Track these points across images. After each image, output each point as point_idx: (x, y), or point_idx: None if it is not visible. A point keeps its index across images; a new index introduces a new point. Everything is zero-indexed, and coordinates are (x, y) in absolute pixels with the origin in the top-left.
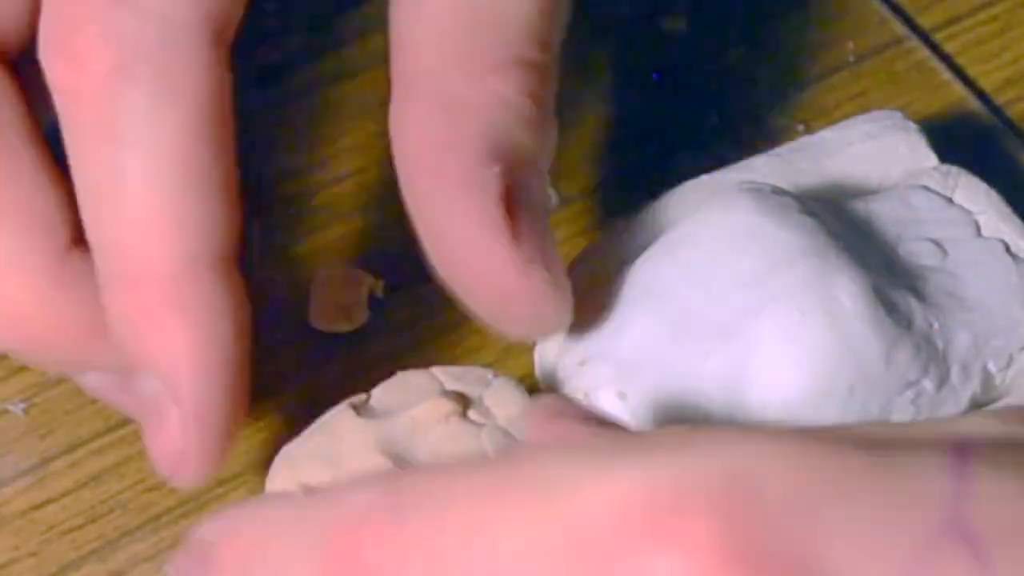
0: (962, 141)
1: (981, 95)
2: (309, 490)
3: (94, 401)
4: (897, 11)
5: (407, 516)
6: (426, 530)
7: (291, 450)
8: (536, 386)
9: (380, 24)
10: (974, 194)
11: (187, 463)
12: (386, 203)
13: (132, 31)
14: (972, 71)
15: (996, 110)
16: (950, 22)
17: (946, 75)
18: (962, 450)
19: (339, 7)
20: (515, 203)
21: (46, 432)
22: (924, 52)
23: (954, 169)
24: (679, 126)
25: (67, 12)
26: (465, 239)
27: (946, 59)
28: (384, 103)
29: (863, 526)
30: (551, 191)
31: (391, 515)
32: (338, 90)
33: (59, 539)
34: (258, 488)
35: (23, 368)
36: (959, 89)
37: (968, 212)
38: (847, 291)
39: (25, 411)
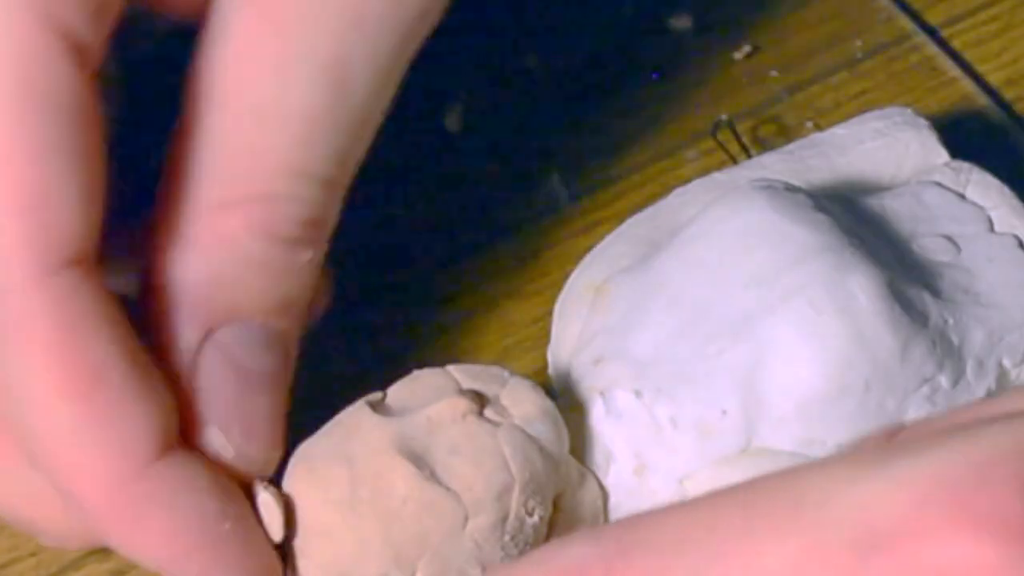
0: (970, 137)
1: (989, 91)
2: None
3: None
4: (904, 8)
5: (640, 554)
6: (669, 563)
7: (307, 449)
8: (546, 383)
9: None
10: (986, 190)
11: None
12: (385, 202)
13: None
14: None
15: (1004, 106)
16: (950, 22)
17: (953, 71)
18: None
19: None
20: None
21: None
22: (931, 48)
23: (966, 165)
24: (687, 124)
25: None
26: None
27: (954, 55)
28: None
29: None
30: (562, 188)
31: (620, 557)
32: None
33: None
34: None
35: None
36: (966, 85)
37: (981, 208)
38: (862, 287)
39: None
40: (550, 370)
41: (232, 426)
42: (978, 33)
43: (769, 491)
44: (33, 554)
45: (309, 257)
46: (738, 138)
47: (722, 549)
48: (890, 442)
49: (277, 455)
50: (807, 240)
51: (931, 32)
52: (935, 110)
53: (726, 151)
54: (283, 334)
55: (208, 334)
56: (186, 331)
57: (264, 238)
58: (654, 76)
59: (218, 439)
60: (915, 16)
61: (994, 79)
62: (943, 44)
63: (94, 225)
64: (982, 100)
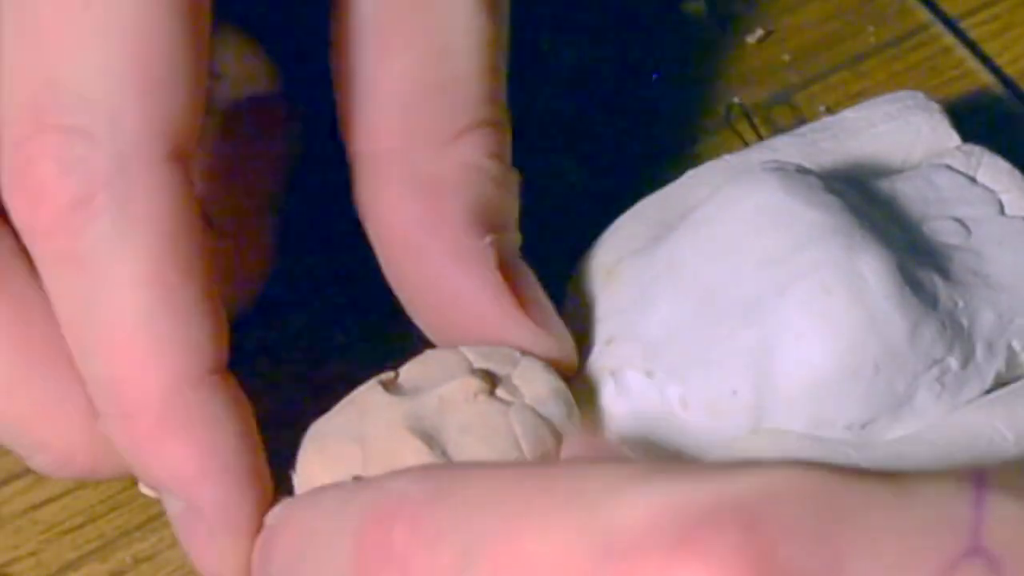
0: (983, 126)
1: (1006, 81)
2: (357, 479)
3: None
4: None
5: (443, 506)
6: (460, 522)
7: (319, 427)
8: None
9: None
10: (997, 173)
11: (225, 568)
12: None
13: (88, 160)
14: None
15: (1020, 96)
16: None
17: (969, 62)
18: (979, 477)
19: None
20: (507, 267)
21: None
22: (946, 39)
23: (977, 148)
24: (701, 108)
25: (23, 148)
26: (475, 317)
27: (969, 45)
28: None
29: (886, 548)
30: (576, 172)
31: (427, 504)
32: None
33: (59, 539)
34: None
35: None
36: (982, 76)
37: (992, 191)
38: (872, 269)
39: None
40: None
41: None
42: (978, 33)
43: (564, 478)
44: (33, 554)
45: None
46: (751, 121)
47: (501, 527)
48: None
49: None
50: (818, 221)
51: (946, 21)
52: (949, 99)
53: (738, 134)
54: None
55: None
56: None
57: (499, 160)
58: (654, 76)
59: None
60: (931, 5)
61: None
62: (959, 33)
63: (197, 115)
64: (999, 90)
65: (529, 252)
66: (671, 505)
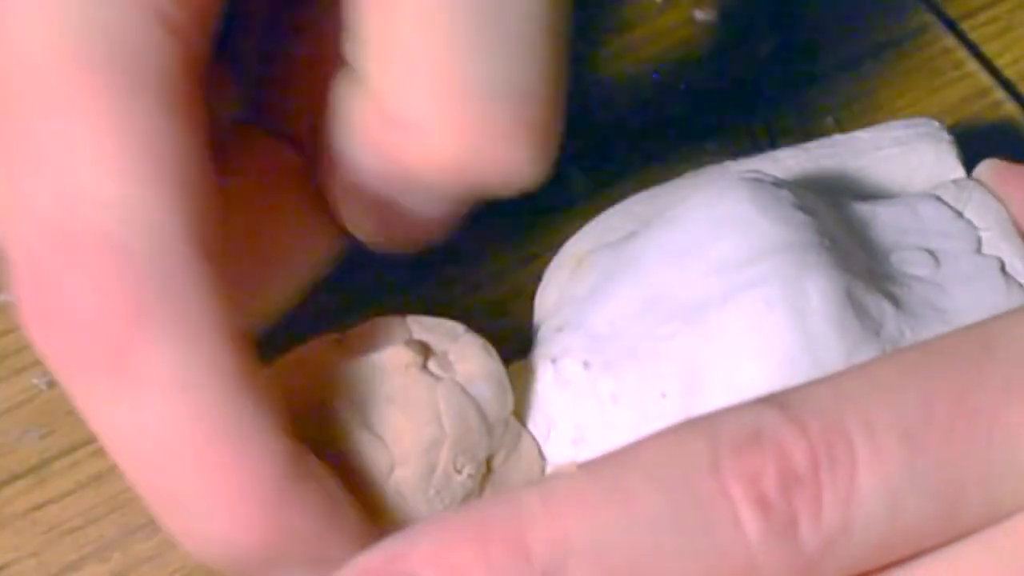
0: (983, 129)
1: (1005, 83)
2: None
3: None
4: (927, 3)
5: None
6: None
7: None
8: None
9: None
10: (984, 211)
11: None
12: None
13: (129, 273)
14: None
15: (1020, 98)
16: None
17: (969, 64)
18: None
19: None
20: None
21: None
22: (946, 40)
23: (971, 183)
24: (709, 115)
25: (44, 268)
26: None
27: (972, 48)
28: None
29: None
30: (581, 175)
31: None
32: None
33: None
34: None
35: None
36: (982, 77)
37: (974, 228)
38: (817, 288)
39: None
40: (532, 334)
41: None
42: (979, 34)
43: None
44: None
45: None
46: (758, 130)
47: (925, 392)
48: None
49: None
50: (774, 235)
51: (950, 24)
52: (953, 101)
53: (751, 141)
54: None
55: None
56: None
57: None
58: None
59: None
60: (934, 8)
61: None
62: (962, 36)
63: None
64: (999, 93)
65: (530, 257)
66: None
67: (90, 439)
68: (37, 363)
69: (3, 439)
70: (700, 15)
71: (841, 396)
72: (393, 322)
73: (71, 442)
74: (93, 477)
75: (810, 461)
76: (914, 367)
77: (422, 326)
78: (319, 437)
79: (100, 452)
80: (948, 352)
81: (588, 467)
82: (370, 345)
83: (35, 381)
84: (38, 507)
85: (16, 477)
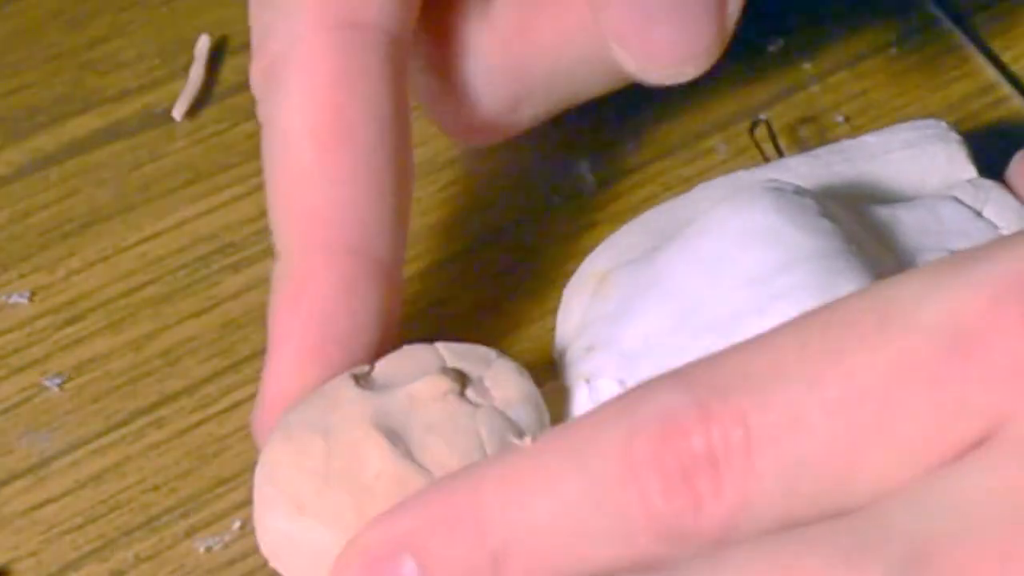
0: (987, 125)
1: (1011, 78)
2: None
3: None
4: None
5: (728, 396)
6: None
7: (289, 416)
8: (541, 366)
9: None
10: (1003, 210)
11: None
12: None
13: None
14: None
15: None
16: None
17: (973, 60)
18: None
19: None
20: None
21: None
22: (949, 36)
23: (988, 183)
24: (719, 117)
25: None
26: None
27: (980, 44)
28: None
29: None
30: (588, 176)
31: (707, 404)
32: None
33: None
34: None
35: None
36: (986, 73)
37: (995, 227)
38: None
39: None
40: (554, 354)
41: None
42: (980, 33)
43: (850, 310)
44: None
45: None
46: (774, 138)
47: (815, 374)
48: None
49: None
50: (803, 244)
51: (958, 19)
52: (962, 95)
53: (759, 148)
54: None
55: None
56: None
57: None
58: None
59: None
60: (943, 4)
61: None
62: (970, 32)
63: None
64: (1006, 88)
65: (538, 256)
66: (1003, 278)
67: (90, 439)
68: (37, 363)
69: (3, 439)
70: None
71: (743, 373)
72: (423, 349)
73: (71, 442)
74: (93, 477)
75: (709, 445)
76: (818, 343)
77: (453, 353)
78: (350, 473)
79: (100, 452)
80: (847, 324)
81: (537, 444)
82: (401, 375)
83: (36, 380)
84: (37, 506)
85: (16, 477)
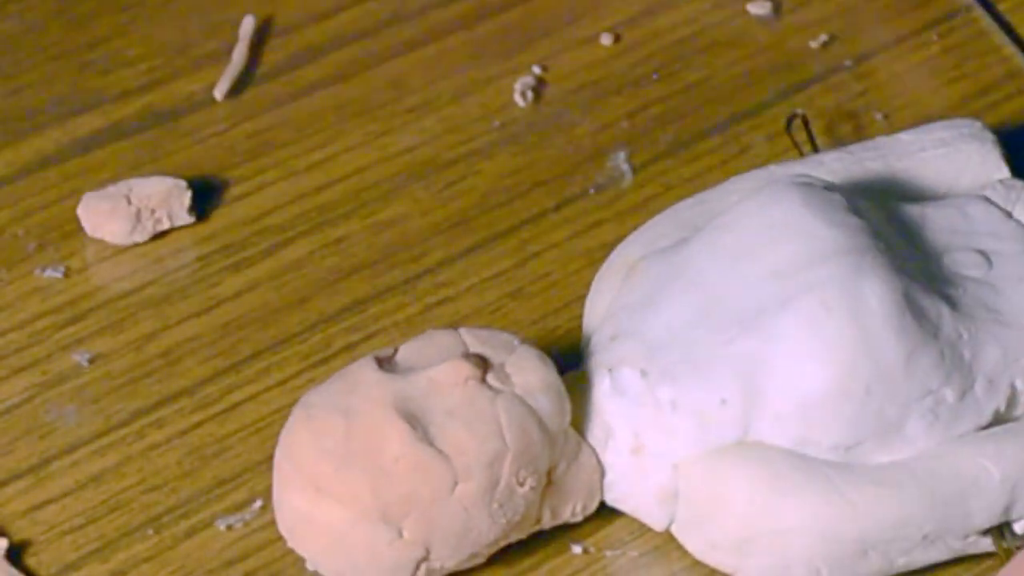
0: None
1: None
2: None
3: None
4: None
5: None
6: None
7: (310, 397)
8: (565, 352)
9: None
10: None
11: None
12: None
13: None
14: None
15: None
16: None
17: (1005, 47)
18: None
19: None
20: None
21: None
22: (980, 23)
23: (1019, 183)
24: (759, 110)
25: None
26: None
27: (1008, 29)
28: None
29: None
30: (625, 166)
31: None
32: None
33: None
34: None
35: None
36: (1016, 61)
37: None
38: (875, 292)
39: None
40: (582, 342)
41: None
42: (1015, 17)
43: None
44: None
45: None
46: (808, 131)
47: None
48: None
49: None
50: (830, 240)
51: (987, 5)
52: (990, 80)
53: (794, 142)
54: None
55: None
56: None
57: None
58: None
59: None
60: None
61: None
62: (999, 18)
63: None
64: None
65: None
66: None
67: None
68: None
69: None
70: (754, 9)
71: None
72: (446, 334)
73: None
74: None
75: None
76: None
77: (476, 338)
78: (369, 455)
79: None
80: None
81: None
82: (424, 359)
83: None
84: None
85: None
